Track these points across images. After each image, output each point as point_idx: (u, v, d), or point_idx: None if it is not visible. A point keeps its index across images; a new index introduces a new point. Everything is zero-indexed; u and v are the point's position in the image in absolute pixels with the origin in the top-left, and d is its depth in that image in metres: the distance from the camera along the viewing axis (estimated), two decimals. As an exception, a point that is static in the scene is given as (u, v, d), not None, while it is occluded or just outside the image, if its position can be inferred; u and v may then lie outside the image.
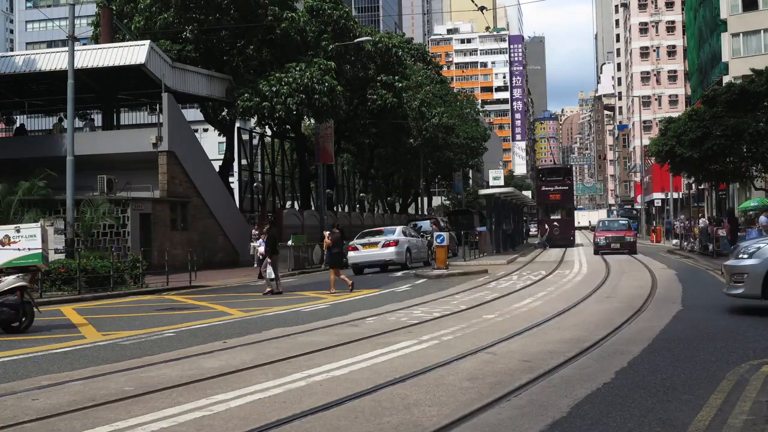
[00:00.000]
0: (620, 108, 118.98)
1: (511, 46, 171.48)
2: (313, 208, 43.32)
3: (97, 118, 37.38)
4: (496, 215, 38.68)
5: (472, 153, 68.71)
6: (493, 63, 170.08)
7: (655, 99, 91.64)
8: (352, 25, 40.13)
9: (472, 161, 72.97)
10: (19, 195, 22.48)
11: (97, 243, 25.81)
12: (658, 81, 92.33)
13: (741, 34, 47.15)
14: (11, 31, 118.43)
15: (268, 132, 43.18)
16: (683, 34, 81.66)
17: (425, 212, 70.62)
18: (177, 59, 32.47)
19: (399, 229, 29.48)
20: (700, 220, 37.74)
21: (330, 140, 38.36)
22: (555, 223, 47.64)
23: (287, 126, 40.91)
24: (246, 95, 33.17)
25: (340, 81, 35.88)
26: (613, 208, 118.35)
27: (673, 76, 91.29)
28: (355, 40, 38.02)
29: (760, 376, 7.27)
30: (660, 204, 69.99)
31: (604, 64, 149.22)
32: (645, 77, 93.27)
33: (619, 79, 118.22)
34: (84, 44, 36.47)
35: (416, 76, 54.92)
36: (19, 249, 12.67)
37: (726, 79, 43.98)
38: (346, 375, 7.97)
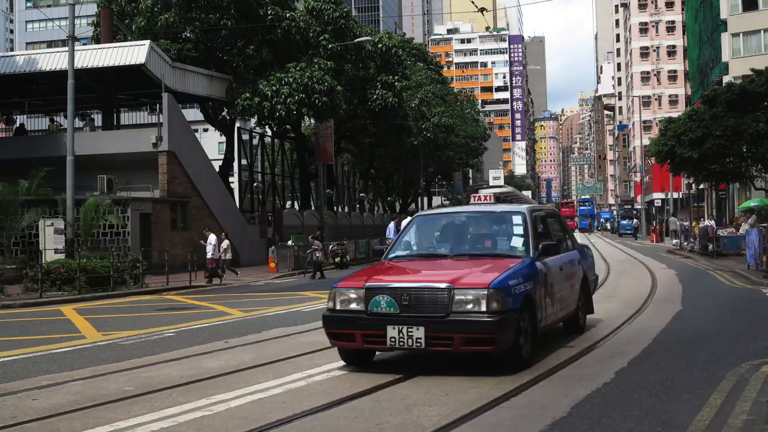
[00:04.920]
0: (620, 108, 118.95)
1: (511, 46, 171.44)
2: (313, 208, 43.29)
3: (97, 118, 37.29)
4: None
5: (472, 153, 68.71)
6: (493, 63, 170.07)
7: (655, 99, 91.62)
8: (352, 25, 40.07)
9: (472, 161, 72.96)
10: (13, 194, 22.34)
11: (97, 243, 25.78)
12: (658, 81, 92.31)
13: (741, 34, 47.12)
14: (11, 31, 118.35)
15: (268, 132, 43.12)
16: (683, 34, 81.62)
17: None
18: (177, 59, 32.43)
19: None
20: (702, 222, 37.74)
21: (330, 140, 38.31)
22: None
23: (287, 126, 40.87)
24: (246, 95, 33.13)
25: (340, 81, 35.83)
26: (613, 208, 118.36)
27: (673, 76, 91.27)
28: (355, 40, 37.95)
29: (760, 376, 7.28)
30: (660, 204, 69.97)
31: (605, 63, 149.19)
32: (645, 77, 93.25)
33: (619, 79, 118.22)
34: (84, 44, 36.44)
35: (416, 75, 54.88)
36: None
37: (726, 79, 43.96)
38: (346, 375, 7.97)
